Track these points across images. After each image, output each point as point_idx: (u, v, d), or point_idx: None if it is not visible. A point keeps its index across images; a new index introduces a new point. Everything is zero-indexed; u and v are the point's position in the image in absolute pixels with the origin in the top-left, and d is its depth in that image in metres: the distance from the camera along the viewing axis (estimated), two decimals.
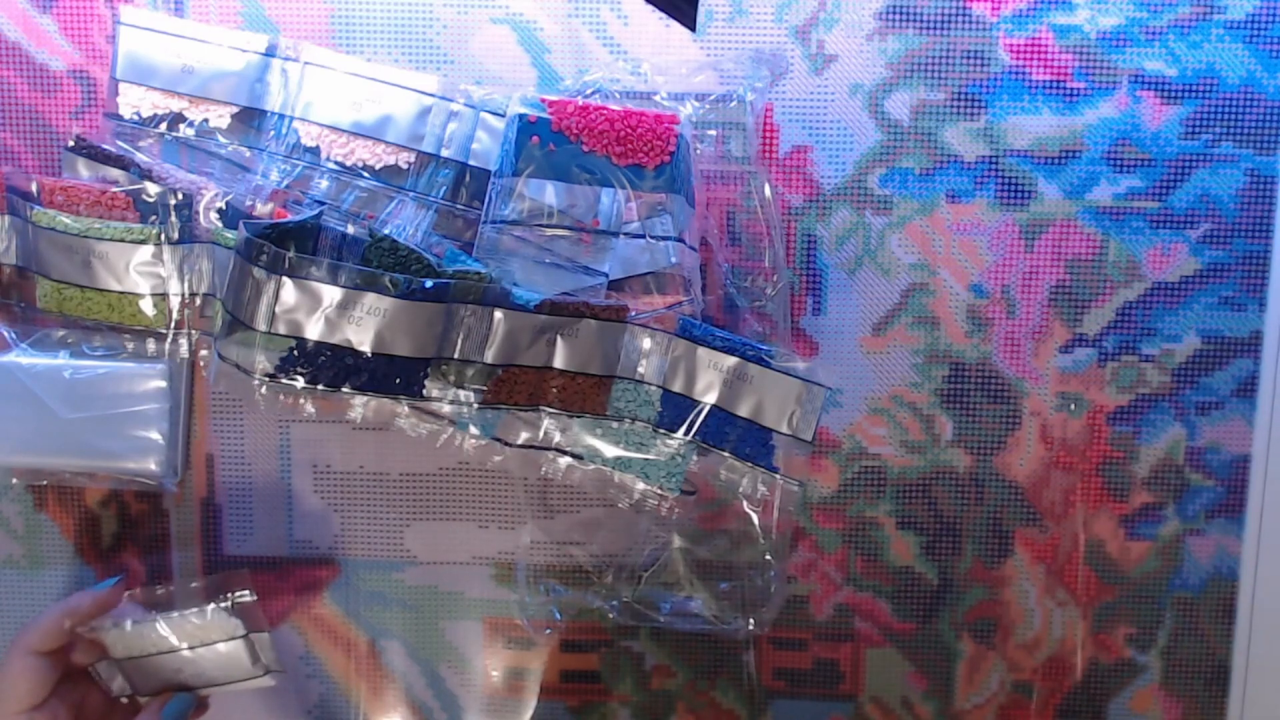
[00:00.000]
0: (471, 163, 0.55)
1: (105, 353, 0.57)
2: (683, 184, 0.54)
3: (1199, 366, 0.59)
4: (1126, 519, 0.60)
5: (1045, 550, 0.61)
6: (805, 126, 0.58)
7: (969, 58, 0.57)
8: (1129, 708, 0.62)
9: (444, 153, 0.55)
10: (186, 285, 0.55)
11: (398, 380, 0.52)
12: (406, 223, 0.55)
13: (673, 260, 0.55)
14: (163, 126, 0.56)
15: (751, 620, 0.59)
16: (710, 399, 0.54)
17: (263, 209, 0.54)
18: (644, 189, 0.54)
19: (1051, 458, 0.60)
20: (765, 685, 0.62)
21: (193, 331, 0.57)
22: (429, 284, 0.51)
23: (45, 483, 0.60)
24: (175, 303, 0.56)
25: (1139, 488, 0.60)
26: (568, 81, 0.57)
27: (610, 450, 0.55)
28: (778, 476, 0.55)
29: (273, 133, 0.55)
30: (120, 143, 0.56)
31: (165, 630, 0.54)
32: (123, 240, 0.54)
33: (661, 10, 0.54)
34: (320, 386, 0.52)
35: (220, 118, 0.56)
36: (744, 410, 0.54)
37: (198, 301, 0.56)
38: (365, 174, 0.55)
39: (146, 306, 0.56)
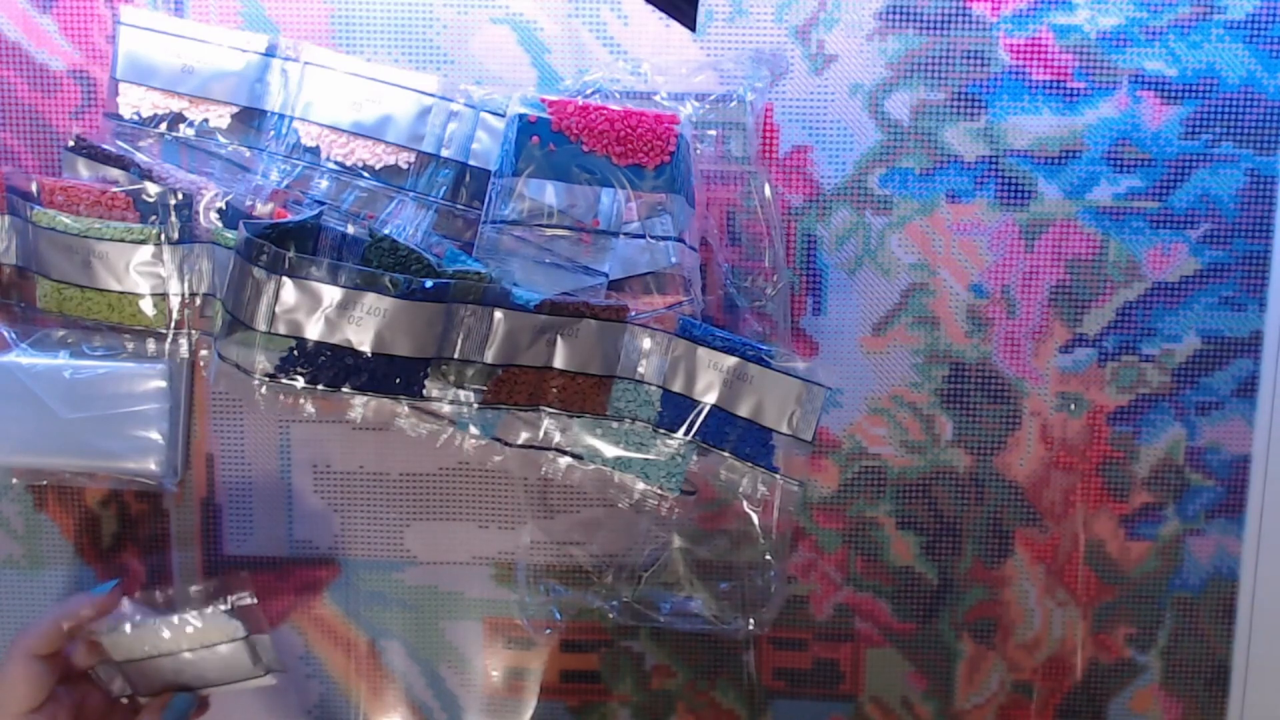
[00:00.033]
0: (471, 163, 0.55)
1: (105, 353, 0.57)
2: (683, 184, 0.54)
3: (1199, 366, 0.59)
4: (1126, 519, 0.60)
5: (1045, 550, 0.61)
6: (805, 126, 0.58)
7: (969, 58, 0.57)
8: (1129, 708, 0.62)
9: (444, 153, 0.55)
10: (186, 285, 0.55)
11: (398, 380, 0.52)
12: (406, 223, 0.55)
13: (673, 260, 0.55)
14: (163, 126, 0.56)
15: (751, 620, 0.59)
16: (710, 399, 0.54)
17: (263, 209, 0.54)
18: (644, 189, 0.54)
19: (1051, 458, 0.60)
20: (765, 685, 0.62)
21: (193, 331, 0.57)
22: (429, 284, 0.51)
23: (45, 483, 0.60)
24: (175, 303, 0.56)
25: (1139, 488, 0.60)
26: (568, 81, 0.57)
27: (610, 450, 0.55)
28: (778, 476, 0.55)
29: (273, 133, 0.55)
30: (120, 143, 0.56)
31: (165, 634, 0.54)
32: (123, 240, 0.54)
33: (661, 10, 0.54)
34: (320, 386, 0.52)
35: (220, 118, 0.56)
36: (744, 410, 0.54)
37: (198, 301, 0.56)
38: (365, 174, 0.55)
39: (146, 306, 0.56)
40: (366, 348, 0.51)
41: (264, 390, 0.52)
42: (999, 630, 0.61)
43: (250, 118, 0.56)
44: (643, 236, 0.54)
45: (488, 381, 0.52)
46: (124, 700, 0.56)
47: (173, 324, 0.56)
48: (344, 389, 0.52)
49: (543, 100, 0.54)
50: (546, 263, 0.54)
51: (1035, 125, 0.58)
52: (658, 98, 0.56)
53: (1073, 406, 0.59)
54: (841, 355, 0.60)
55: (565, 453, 0.55)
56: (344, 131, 0.55)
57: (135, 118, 0.56)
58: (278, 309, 0.50)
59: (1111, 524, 0.60)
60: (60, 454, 0.57)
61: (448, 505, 0.61)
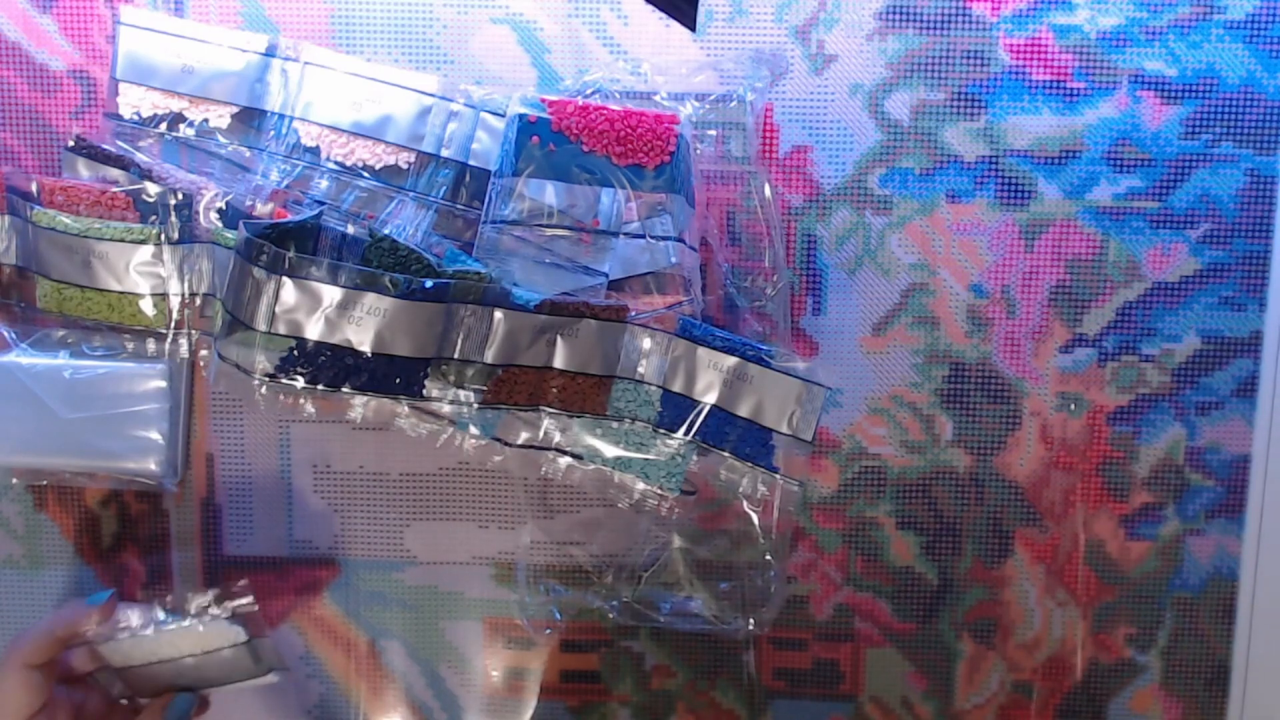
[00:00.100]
0: (471, 163, 0.55)
1: (105, 353, 0.57)
2: (683, 184, 0.54)
3: (1199, 366, 0.59)
4: (1126, 519, 0.60)
5: (1045, 550, 0.61)
6: (805, 126, 0.58)
7: (969, 58, 0.57)
8: (1129, 708, 0.62)
9: (444, 153, 0.55)
10: (186, 285, 0.55)
11: (398, 380, 0.52)
12: (406, 223, 0.55)
13: (673, 260, 0.55)
14: (163, 126, 0.56)
15: (751, 620, 0.59)
16: (710, 399, 0.54)
17: (263, 209, 0.54)
18: (644, 189, 0.54)
19: (1051, 458, 0.60)
20: (765, 685, 0.62)
21: (193, 331, 0.57)
22: (429, 284, 0.51)
23: (45, 483, 0.60)
24: (175, 303, 0.56)
25: (1139, 488, 0.60)
26: (568, 81, 0.57)
27: (610, 450, 0.55)
28: (778, 476, 0.55)
29: (273, 133, 0.55)
30: (120, 143, 0.56)
31: (165, 642, 0.54)
32: (123, 240, 0.54)
33: (661, 10, 0.54)
34: (320, 386, 0.52)
35: (220, 118, 0.56)
36: (744, 410, 0.54)
37: (198, 301, 0.56)
38: (365, 174, 0.55)
39: (146, 306, 0.56)
40: (366, 348, 0.51)
41: (264, 390, 0.52)
42: (999, 630, 0.61)
43: (250, 118, 0.56)
44: (643, 236, 0.54)
45: (488, 381, 0.52)
46: (124, 701, 0.56)
47: (173, 324, 0.56)
48: (344, 389, 0.52)
49: (543, 100, 0.54)
50: (546, 263, 0.54)
51: (1035, 125, 0.58)
52: (658, 98, 0.56)
53: (1073, 406, 0.59)
54: (841, 355, 0.60)
55: (565, 453, 0.55)
56: (344, 131, 0.55)
57: (135, 118, 0.56)
58: (278, 309, 0.50)
59: (1111, 524, 0.60)
60: (60, 454, 0.57)
61: (448, 505, 0.61)
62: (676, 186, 0.54)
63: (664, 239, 0.54)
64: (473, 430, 0.55)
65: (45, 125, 0.58)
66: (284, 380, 0.51)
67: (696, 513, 0.60)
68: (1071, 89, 0.57)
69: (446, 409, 0.54)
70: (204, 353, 0.58)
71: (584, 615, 0.62)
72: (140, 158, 0.55)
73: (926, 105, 0.58)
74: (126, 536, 0.61)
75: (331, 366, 0.51)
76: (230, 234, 0.53)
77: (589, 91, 0.56)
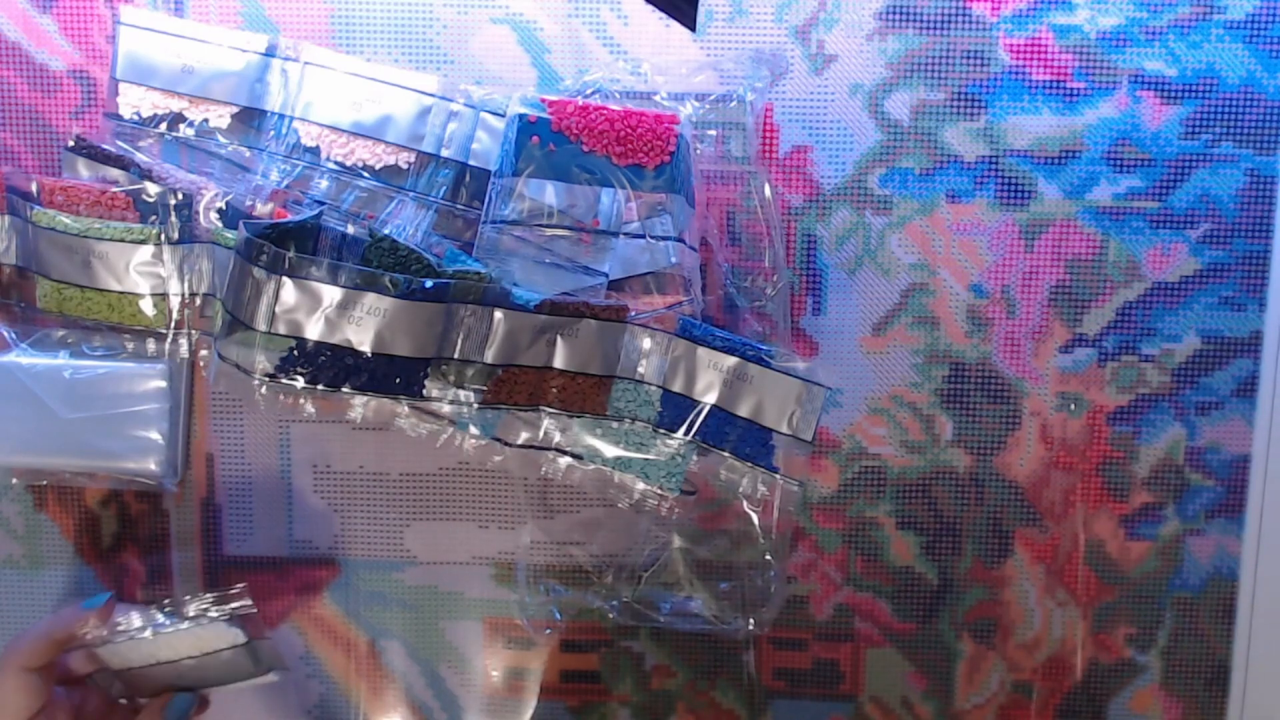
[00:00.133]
0: (471, 163, 0.55)
1: (105, 353, 0.57)
2: (683, 184, 0.54)
3: (1199, 366, 0.59)
4: (1126, 519, 0.60)
5: (1045, 550, 0.61)
6: (805, 126, 0.58)
7: (969, 58, 0.57)
8: (1129, 708, 0.62)
9: (444, 153, 0.55)
10: (186, 285, 0.55)
11: (398, 380, 0.52)
12: (406, 223, 0.55)
13: (673, 260, 0.55)
14: (163, 126, 0.56)
15: (751, 620, 0.59)
16: (710, 399, 0.54)
17: (263, 209, 0.54)
18: (644, 189, 0.54)
19: (1051, 458, 0.60)
20: (765, 685, 0.62)
21: (193, 331, 0.57)
22: (429, 284, 0.51)
23: (45, 483, 0.60)
24: (175, 303, 0.56)
25: (1139, 488, 0.60)
26: (568, 81, 0.57)
27: (610, 450, 0.55)
28: (778, 476, 0.55)
29: (273, 133, 0.55)
30: (120, 143, 0.56)
31: (164, 644, 0.54)
32: (123, 240, 0.54)
33: (661, 10, 0.54)
34: (320, 386, 0.52)
35: (220, 118, 0.56)
36: (744, 410, 0.54)
37: (198, 301, 0.56)
38: (365, 174, 0.55)
39: (146, 306, 0.56)
40: (366, 348, 0.51)
41: (264, 390, 0.52)
42: (999, 630, 0.61)
43: (250, 118, 0.56)
44: (643, 236, 0.54)
45: (488, 381, 0.52)
46: (123, 701, 0.56)
47: (173, 324, 0.56)
48: (344, 389, 0.52)
49: (543, 100, 0.54)
50: (546, 263, 0.54)
51: (1035, 125, 0.58)
52: (658, 98, 0.56)
53: (1073, 406, 0.59)
54: (841, 355, 0.60)
55: (565, 453, 0.55)
56: (344, 131, 0.55)
57: (135, 118, 0.56)
58: (278, 309, 0.50)
59: (1111, 524, 0.60)
60: (60, 454, 0.57)
61: (448, 505, 0.61)
62: (676, 186, 0.54)
63: (664, 239, 0.54)
64: (473, 430, 0.55)
65: (45, 125, 0.58)
66: (284, 380, 0.51)
67: (696, 513, 0.60)
68: (1071, 89, 0.57)
69: (446, 409, 0.54)
70: (204, 353, 0.58)
71: (584, 615, 0.62)
72: (140, 158, 0.55)
73: (926, 105, 0.58)
74: (126, 536, 0.61)
75: (331, 366, 0.51)
76: (230, 234, 0.53)
77: (589, 91, 0.56)
